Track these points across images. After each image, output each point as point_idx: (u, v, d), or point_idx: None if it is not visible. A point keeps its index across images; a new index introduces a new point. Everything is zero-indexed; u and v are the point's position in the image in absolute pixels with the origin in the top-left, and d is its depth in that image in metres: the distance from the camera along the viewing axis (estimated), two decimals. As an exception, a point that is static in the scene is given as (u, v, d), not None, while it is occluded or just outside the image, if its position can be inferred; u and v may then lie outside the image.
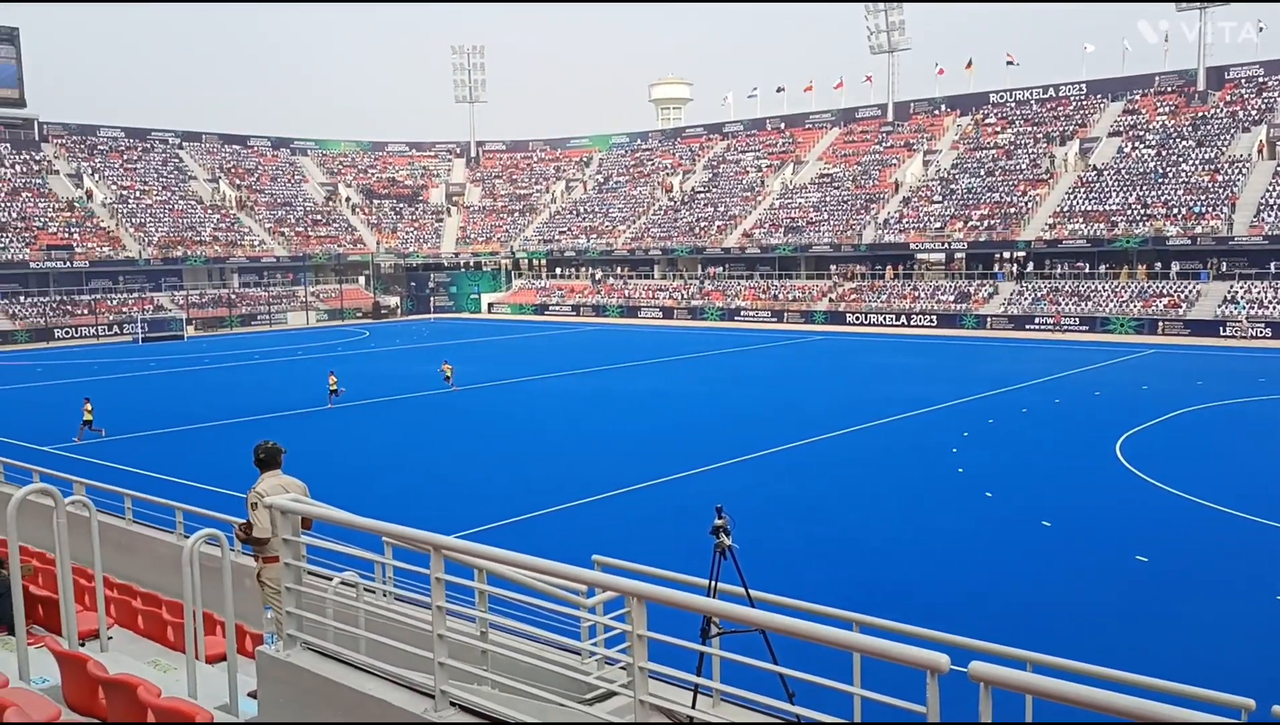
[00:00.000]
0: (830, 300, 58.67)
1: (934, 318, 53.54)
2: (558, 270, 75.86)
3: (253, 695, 6.13)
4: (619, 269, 71.92)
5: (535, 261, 77.81)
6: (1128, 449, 21.41)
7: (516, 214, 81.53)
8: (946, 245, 58.08)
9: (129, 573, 11.00)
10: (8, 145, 68.60)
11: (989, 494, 17.91)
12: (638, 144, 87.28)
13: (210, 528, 7.00)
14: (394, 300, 72.39)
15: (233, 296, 65.68)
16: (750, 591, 6.16)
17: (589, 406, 29.57)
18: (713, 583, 5.91)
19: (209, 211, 72.14)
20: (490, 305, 72.75)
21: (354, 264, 74.70)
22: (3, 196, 64.16)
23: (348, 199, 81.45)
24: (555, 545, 14.64)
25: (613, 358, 41.93)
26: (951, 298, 54.86)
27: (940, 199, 61.28)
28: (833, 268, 61.78)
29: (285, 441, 8.46)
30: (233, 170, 78.85)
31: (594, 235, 74.41)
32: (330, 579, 6.30)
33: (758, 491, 18.36)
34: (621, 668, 5.72)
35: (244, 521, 8.21)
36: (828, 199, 66.57)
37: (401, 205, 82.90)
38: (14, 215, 62.75)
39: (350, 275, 73.97)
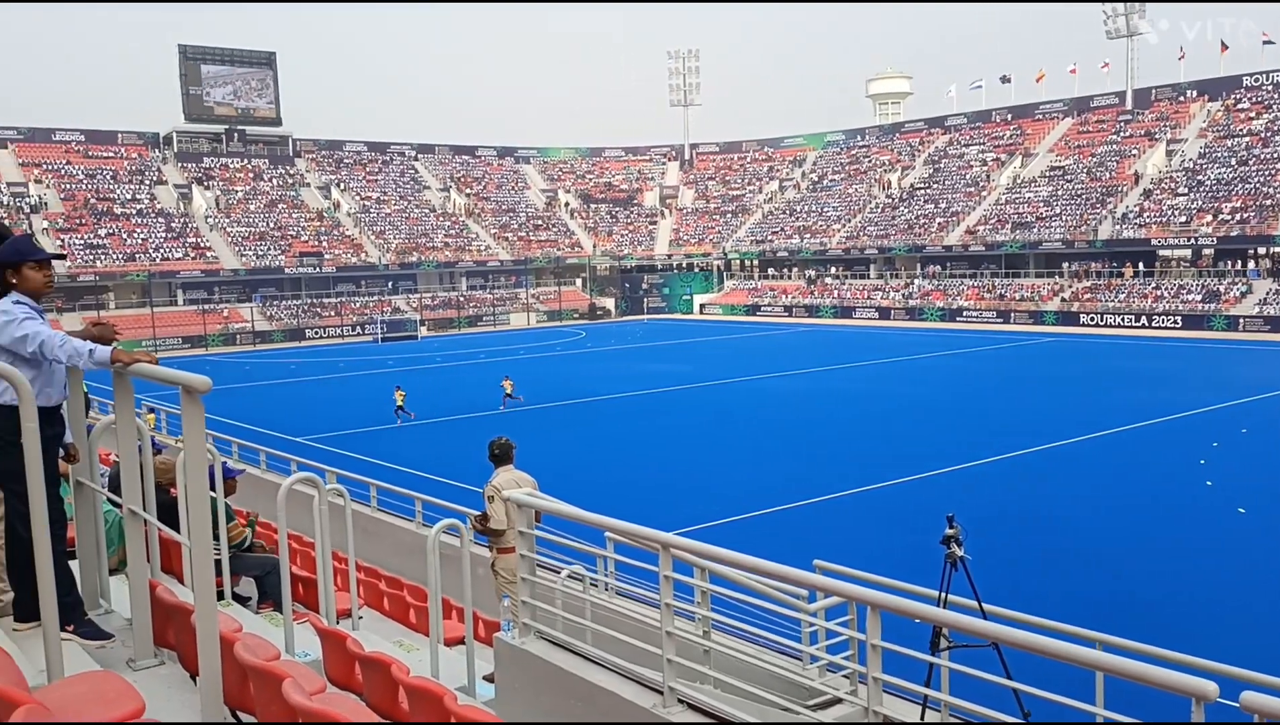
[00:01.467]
0: (1062, 300, 55.48)
1: (1178, 319, 49.62)
2: (770, 271, 75.50)
3: (487, 679, 6.46)
4: (833, 269, 70.81)
5: (747, 262, 77.76)
6: None
7: (729, 215, 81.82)
8: (1193, 240, 53.68)
9: (372, 556, 11.83)
10: (266, 161, 75.24)
11: (1242, 510, 16.44)
12: (854, 141, 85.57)
13: (450, 518, 7.42)
14: (609, 302, 74.27)
15: (461, 298, 69.37)
16: (984, 606, 5.93)
17: (802, 408, 29.27)
18: (943, 594, 5.73)
19: (440, 219, 76.45)
20: (702, 306, 73.34)
21: (572, 267, 77.22)
22: (262, 208, 70.45)
23: (566, 204, 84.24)
24: (769, 547, 14.56)
25: (826, 359, 41.34)
26: (1198, 297, 50.68)
27: (1186, 191, 56.72)
28: (1065, 265, 58.37)
29: (509, 437, 8.87)
30: (462, 179, 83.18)
31: (807, 235, 73.60)
32: (559, 572, 6.55)
33: (984, 500, 17.63)
34: (844, 675, 5.64)
35: (479, 513, 8.67)
36: (1059, 192, 62.98)
37: (617, 209, 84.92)
38: (272, 225, 68.76)
39: (568, 277, 76.51)
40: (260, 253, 65.57)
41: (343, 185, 76.63)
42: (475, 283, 73.33)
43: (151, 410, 19.92)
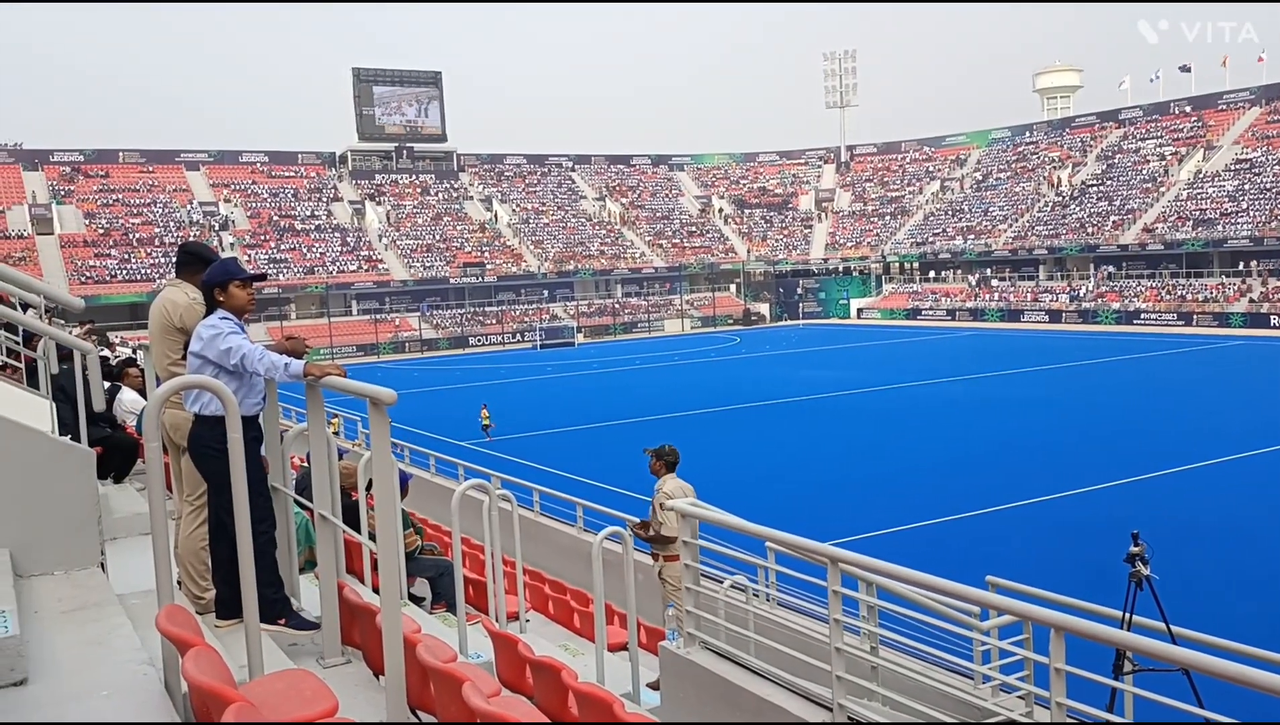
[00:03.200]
0: (1250, 301, 51.79)
1: (1387, 319, 45.58)
2: (931, 273, 73.40)
3: (651, 686, 6.52)
4: (999, 270, 68.24)
5: (906, 265, 75.87)
6: None
7: (887, 217, 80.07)
8: (1405, 234, 49.22)
9: (535, 560, 12.12)
10: (433, 176, 78.34)
11: None
12: (1020, 137, 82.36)
13: (613, 525, 7.53)
14: (763, 307, 73.83)
15: (616, 306, 70.36)
16: (1172, 628, 5.60)
17: (969, 415, 28.32)
18: (1127, 615, 5.45)
19: (596, 227, 77.77)
20: (859, 310, 71.98)
21: (726, 272, 77.17)
22: (429, 221, 73.38)
23: (720, 210, 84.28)
24: (937, 560, 14.18)
25: (993, 364, 39.88)
26: None
27: (1396, 180, 52.07)
28: (1254, 264, 54.46)
29: (674, 443, 8.93)
30: (617, 188, 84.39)
31: (971, 236, 71.23)
32: (722, 582, 6.55)
33: (1169, 514, 16.63)
34: (1019, 696, 5.43)
35: (640, 520, 8.77)
36: (1247, 187, 58.85)
37: (771, 213, 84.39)
38: (438, 237, 71.52)
39: (722, 283, 76.49)
40: (427, 264, 68.28)
41: (503, 197, 78.96)
42: (630, 290, 74.22)
43: (334, 416, 21.02)
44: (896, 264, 76.30)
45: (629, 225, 79.22)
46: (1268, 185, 57.85)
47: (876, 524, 16.70)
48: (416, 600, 7.93)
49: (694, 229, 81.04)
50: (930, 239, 74.23)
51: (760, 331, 66.13)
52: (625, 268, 73.90)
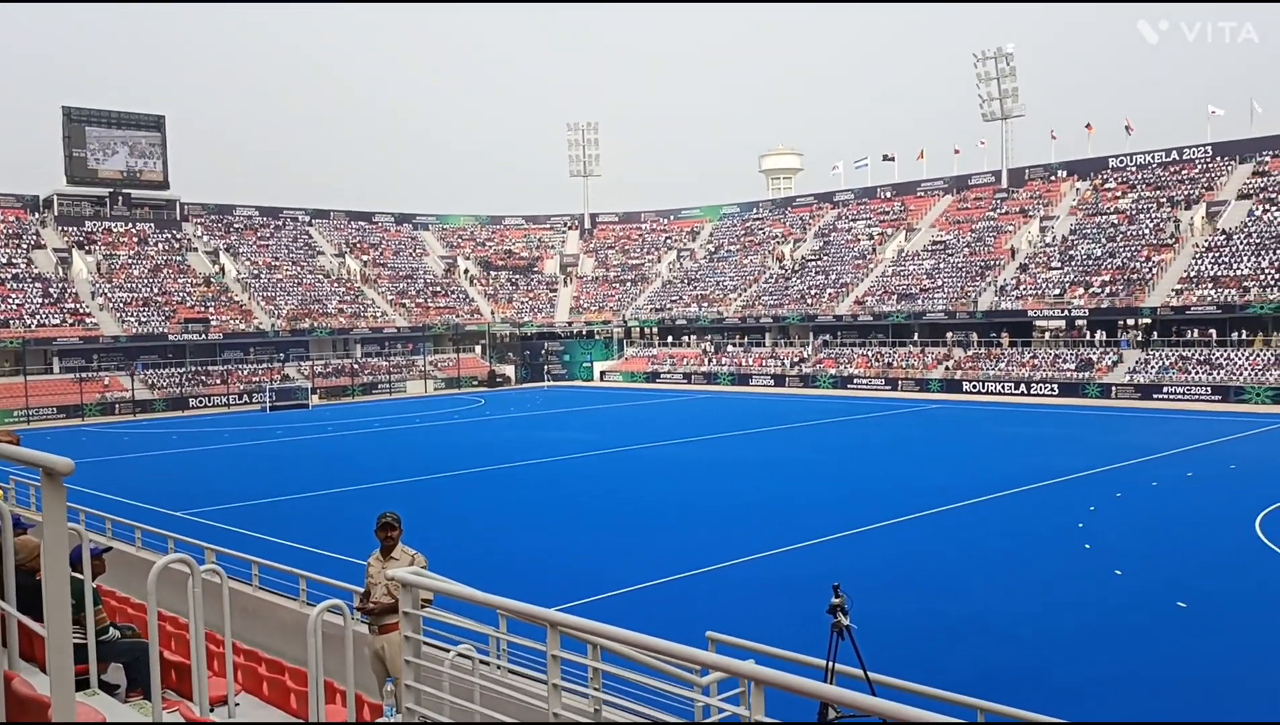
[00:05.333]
0: (946, 368, 57.44)
1: (1055, 386, 51.81)
2: (669, 338, 76.41)
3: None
4: (730, 336, 72.04)
5: (647, 330, 78.56)
6: (1269, 526, 20.17)
7: (629, 283, 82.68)
8: (1066, 312, 56.39)
9: (254, 638, 11.34)
10: (151, 225, 73.17)
11: (1119, 572, 17.07)
12: (748, 214, 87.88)
13: (330, 597, 7.19)
14: (509, 369, 73.88)
15: (355, 366, 68.10)
16: (869, 674, 6.00)
17: (700, 475, 29.44)
18: (830, 664, 5.79)
19: (335, 285, 75.26)
20: (602, 373, 73.55)
21: (471, 333, 76.72)
22: (146, 273, 68.28)
23: (466, 271, 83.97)
24: (666, 619, 14.54)
25: (725, 426, 41.78)
26: (1073, 366, 53.09)
27: (1059, 265, 59.70)
28: (949, 335, 60.59)
29: (400, 510, 8.69)
30: (358, 245, 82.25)
31: (705, 303, 74.82)
32: (447, 651, 6.39)
33: (875, 566, 17.90)
34: (735, 751, 5.62)
35: (365, 590, 8.43)
36: (942, 266, 65.58)
37: (517, 276, 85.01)
38: (156, 291, 66.63)
39: (467, 344, 75.93)
40: (143, 319, 63.38)
41: (232, 250, 74.94)
42: (371, 350, 72.16)
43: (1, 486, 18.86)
44: (637, 328, 78.82)
45: (370, 283, 77.26)
46: (959, 265, 64.69)
47: (610, 585, 16.91)
48: (111, 688, 7.21)
49: (438, 289, 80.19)
50: (668, 305, 77.30)
51: (505, 393, 66.04)
52: (365, 327, 71.83)
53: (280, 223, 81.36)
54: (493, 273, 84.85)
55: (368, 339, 72.13)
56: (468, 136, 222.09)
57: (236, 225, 78.84)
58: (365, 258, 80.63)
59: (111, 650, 7.08)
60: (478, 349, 76.35)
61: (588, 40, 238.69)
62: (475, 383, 70.24)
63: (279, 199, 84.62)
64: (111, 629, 7.34)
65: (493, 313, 79.02)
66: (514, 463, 32.41)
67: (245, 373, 63.38)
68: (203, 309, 66.37)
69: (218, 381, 61.48)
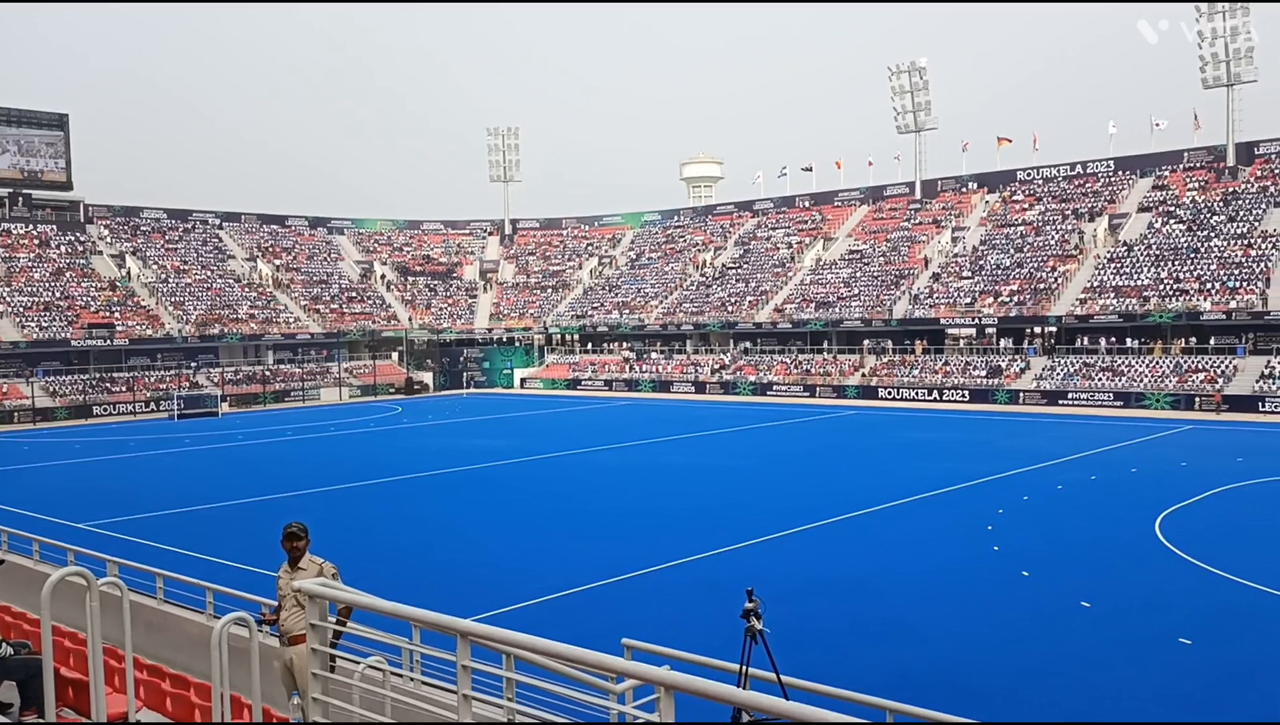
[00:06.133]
0: (862, 375, 58.48)
1: (966, 393, 53.14)
2: (589, 345, 76.38)
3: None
4: (651, 343, 72.30)
5: (568, 337, 78.38)
6: (1167, 527, 20.98)
7: (549, 290, 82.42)
8: (977, 320, 57.91)
9: (159, 653, 10.99)
10: (54, 227, 70.57)
11: (1026, 573, 17.56)
12: (669, 221, 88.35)
13: (240, 609, 7.00)
14: (427, 376, 72.99)
15: (267, 373, 66.54)
16: (782, 677, 6.06)
17: (621, 482, 29.46)
18: (744, 668, 5.83)
19: (246, 290, 73.49)
20: (523, 380, 73.15)
21: (388, 340, 75.58)
22: (47, 277, 65.80)
23: (383, 276, 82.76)
24: (584, 627, 14.51)
25: (645, 432, 41.88)
26: (983, 373, 54.51)
27: (969, 274, 61.30)
28: (865, 342, 61.71)
29: (313, 520, 8.51)
30: (270, 249, 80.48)
31: (626, 311, 74.97)
32: (357, 664, 6.27)
33: (792, 570, 18.11)
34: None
35: (275, 603, 8.23)
36: (858, 274, 66.79)
37: (436, 282, 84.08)
38: (58, 295, 64.25)
39: (384, 351, 74.77)
40: (44, 324, 61.04)
41: (139, 253, 72.69)
42: (283, 356, 70.58)
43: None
44: (558, 335, 78.58)
45: (283, 288, 75.62)
46: (875, 274, 65.99)
47: (529, 594, 16.81)
48: (4, 707, 6.93)
49: (354, 294, 78.88)
50: (590, 312, 77.27)
51: (423, 400, 65.21)
52: (278, 333, 70.23)
53: (189, 226, 79.19)
54: (410, 278, 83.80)
55: (280, 345, 70.55)
56: (385, 140, 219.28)
57: (144, 228, 76.50)
58: (278, 262, 78.94)
59: (3, 668, 6.82)
60: (395, 356, 75.27)
61: (509, 44, 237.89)
62: (392, 390, 69.24)
63: (188, 201, 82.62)
64: (4, 646, 7.06)
65: (410, 319, 78.02)
66: (431, 471, 32.02)
67: (152, 380, 61.44)
68: (108, 314, 64.19)
69: (123, 389, 59.49)
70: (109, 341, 61.82)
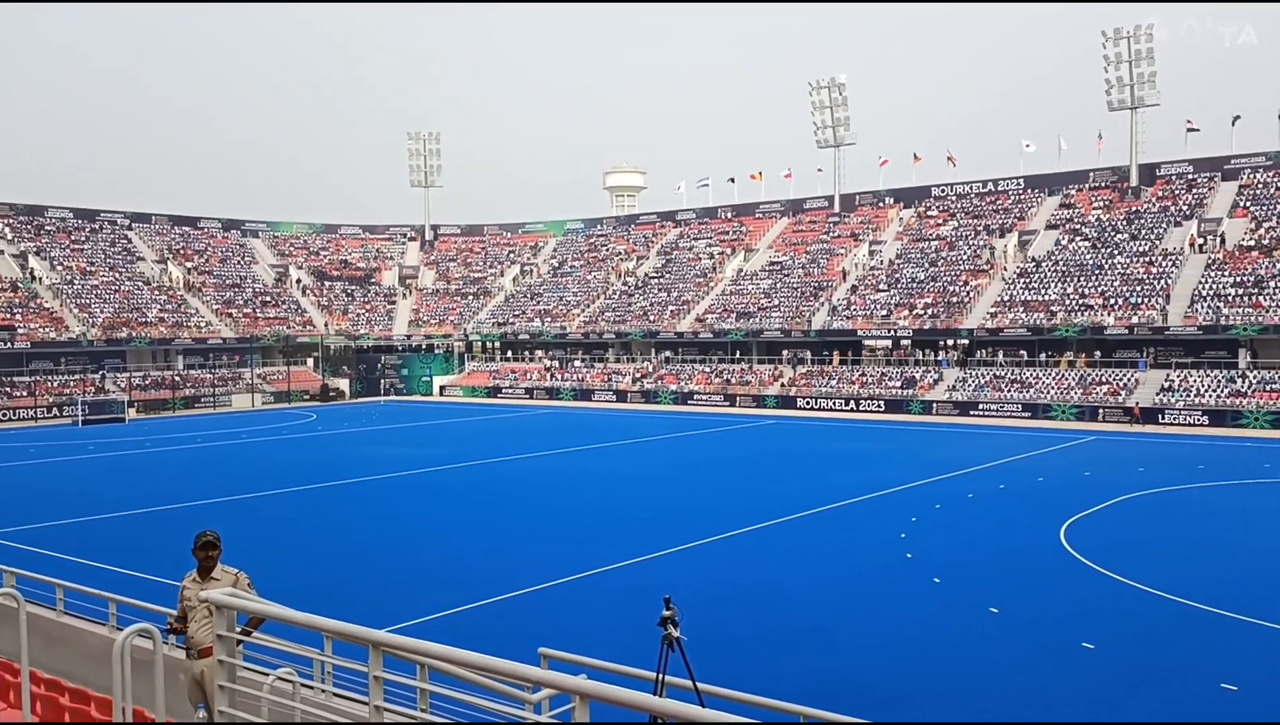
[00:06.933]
0: (781, 385, 59.21)
1: (881, 403, 54.18)
2: (510, 353, 75.96)
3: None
4: (573, 352, 72.20)
5: (488, 344, 77.84)
6: (1072, 535, 21.66)
7: (470, 297, 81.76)
8: (893, 332, 59.13)
9: (58, 666, 10.58)
10: (-49, 224, 67.70)
11: (937, 580, 17.96)
12: (592, 230, 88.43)
13: (143, 621, 6.79)
14: (343, 383, 71.72)
15: (177, 378, 64.67)
16: (698, 685, 6.10)
17: (540, 491, 29.32)
18: (660, 676, 5.85)
19: (156, 293, 71.40)
20: (442, 388, 72.36)
21: (303, 346, 74.08)
22: (-57, 275, 63.06)
23: (298, 281, 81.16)
24: (502, 637, 14.40)
25: (566, 441, 41.77)
26: (898, 384, 55.65)
27: (886, 287, 62.58)
28: (784, 353, 62.52)
29: (223, 529, 8.30)
30: (181, 251, 78.37)
31: (548, 319, 74.74)
32: (266, 675, 6.13)
33: (710, 578, 18.23)
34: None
35: (180, 613, 7.99)
36: (778, 286, 67.67)
37: (353, 287, 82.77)
38: (-46, 294, 61.61)
39: (299, 357, 73.27)
40: (-62, 325, 58.45)
41: (43, 253, 70.09)
42: (194, 361, 68.70)
43: None
44: (479, 343, 77.98)
45: (194, 292, 73.64)
46: (795, 285, 66.94)
47: (448, 603, 16.62)
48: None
49: (268, 299, 77.18)
50: (511, 320, 76.86)
51: (339, 408, 64.06)
52: (189, 337, 68.30)
53: (96, 226, 76.66)
54: (327, 283, 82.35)
55: (191, 350, 68.65)
56: (302, 142, 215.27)
57: (48, 227, 73.82)
58: (189, 265, 76.87)
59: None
60: (310, 362, 73.83)
61: (430, 47, 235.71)
62: (307, 397, 67.87)
63: (95, 201, 79.87)
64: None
65: (327, 324, 76.64)
66: (347, 480, 31.48)
67: (55, 384, 59.26)
68: (8, 316, 61.70)
69: (24, 393, 57.25)
70: (9, 344, 59.42)
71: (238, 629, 5.65)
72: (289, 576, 17.77)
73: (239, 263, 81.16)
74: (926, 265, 63.54)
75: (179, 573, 10.37)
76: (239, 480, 31.33)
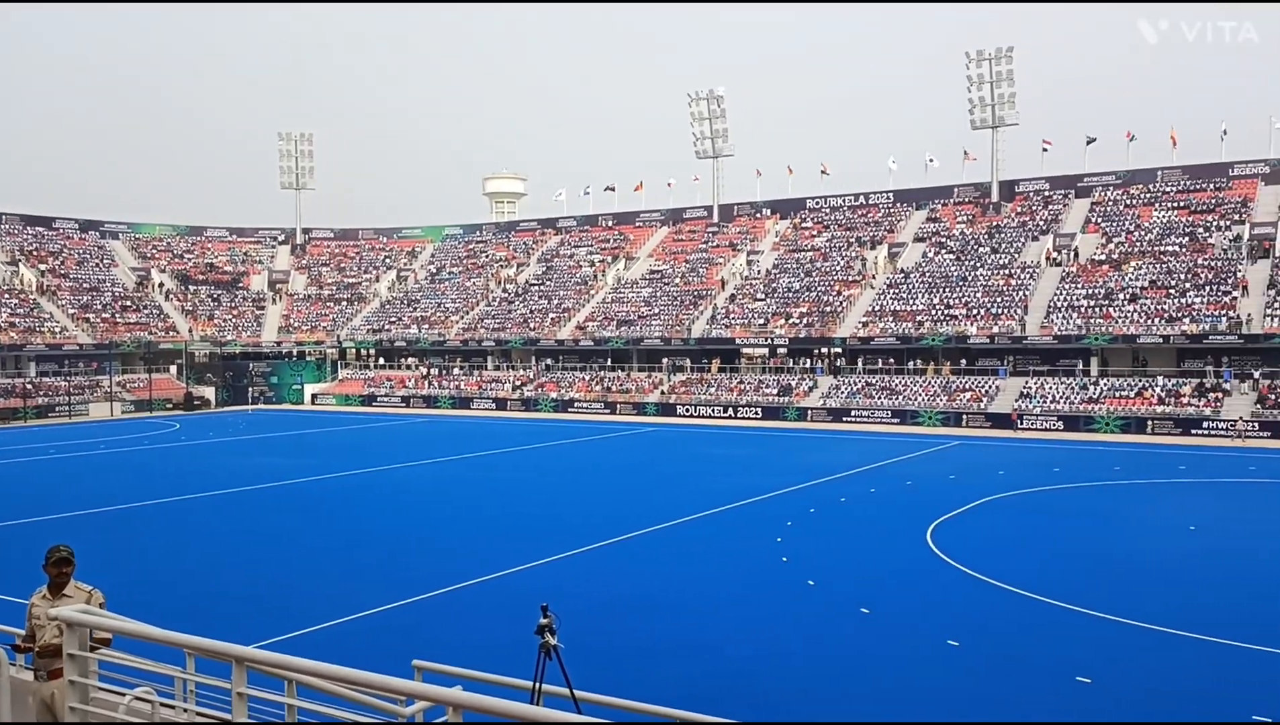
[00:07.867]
0: (661, 393, 59.70)
1: (759, 410, 55.19)
2: (385, 360, 74.45)
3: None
4: (451, 359, 71.24)
5: (363, 351, 76.11)
6: (938, 536, 22.46)
7: (344, 303, 79.86)
8: (769, 340, 60.33)
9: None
10: None
11: (811, 583, 18.37)
12: (471, 236, 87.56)
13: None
14: (209, 391, 69.04)
15: (29, 386, 61.16)
16: (575, 692, 6.09)
17: (417, 501, 28.81)
18: (537, 684, 5.82)
19: (6, 296, 67.43)
20: (314, 396, 70.39)
21: (166, 353, 71.01)
22: None
23: (161, 285, 77.85)
24: (376, 650, 14.09)
25: (444, 450, 41.16)
26: (774, 391, 56.79)
27: (763, 296, 63.83)
28: (665, 360, 63.06)
29: (76, 544, 7.87)
30: (35, 253, 74.25)
31: (425, 325, 73.59)
32: (123, 696, 5.84)
33: (589, 586, 18.22)
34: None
35: (28, 633, 7.54)
36: (658, 294, 68.25)
37: (220, 292, 79.85)
38: None
39: (161, 364, 70.21)
40: None
41: (-124, 252, 65.39)
42: (48, 368, 65.10)
43: None
44: (353, 350, 76.18)
45: (48, 295, 69.81)
46: (674, 294, 67.64)
47: (318, 618, 16.14)
48: None
49: (129, 303, 73.76)
50: (387, 327, 75.37)
51: (204, 417, 61.63)
52: (42, 343, 64.70)
53: (-62, 224, 71.98)
54: (192, 287, 79.24)
55: (44, 357, 65.06)
56: (165, 140, 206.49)
57: (-119, 224, 68.94)
58: (43, 267, 72.87)
59: None
60: (173, 369, 70.83)
61: (302, 48, 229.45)
62: (170, 406, 65.09)
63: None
64: None
65: (191, 330, 73.69)
66: (210, 491, 30.28)
67: (-112, 393, 55.31)
68: None
69: None
70: None
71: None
72: (150, 593, 17.00)
73: (97, 265, 77.38)
74: (802, 275, 65.09)
75: (24, 589, 9.80)
76: (95, 493, 29.81)
